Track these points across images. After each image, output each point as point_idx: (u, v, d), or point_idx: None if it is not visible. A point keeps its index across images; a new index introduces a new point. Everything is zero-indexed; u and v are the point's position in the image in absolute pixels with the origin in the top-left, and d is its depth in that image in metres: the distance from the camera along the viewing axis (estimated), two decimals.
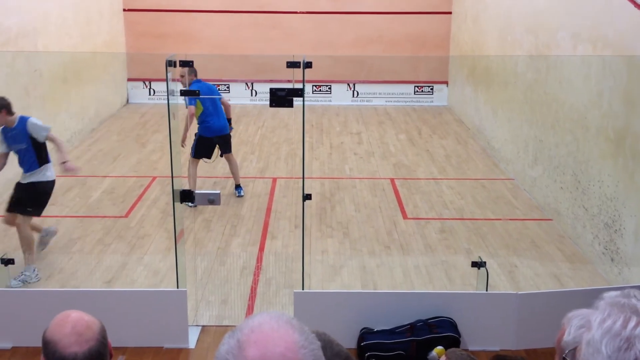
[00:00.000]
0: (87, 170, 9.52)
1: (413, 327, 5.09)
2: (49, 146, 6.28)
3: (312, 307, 5.13)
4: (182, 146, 7.88)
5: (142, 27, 13.96)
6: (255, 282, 6.27)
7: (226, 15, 14.01)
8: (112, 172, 9.47)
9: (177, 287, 5.28)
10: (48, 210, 6.60)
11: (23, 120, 6.09)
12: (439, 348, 4.92)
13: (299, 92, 4.80)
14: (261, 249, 7.03)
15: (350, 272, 6.51)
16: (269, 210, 8.13)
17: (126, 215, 7.84)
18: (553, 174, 7.85)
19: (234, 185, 8.67)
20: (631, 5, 6.15)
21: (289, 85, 4.97)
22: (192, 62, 5.56)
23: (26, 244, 6.17)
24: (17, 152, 6.18)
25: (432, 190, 8.93)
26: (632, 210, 5.96)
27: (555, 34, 8.05)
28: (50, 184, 6.30)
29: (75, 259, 6.68)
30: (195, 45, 13.75)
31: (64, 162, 6.10)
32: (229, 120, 8.47)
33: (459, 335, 5.06)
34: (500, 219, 7.90)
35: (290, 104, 4.76)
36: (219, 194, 5.23)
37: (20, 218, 6.19)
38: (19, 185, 6.26)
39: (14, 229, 6.37)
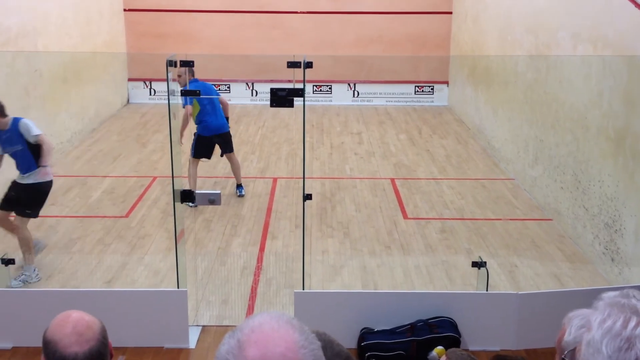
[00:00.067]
0: (87, 170, 9.53)
1: (413, 327, 5.09)
2: None
3: (312, 307, 5.13)
4: (180, 144, 7.87)
5: (143, 27, 13.96)
6: (255, 282, 6.27)
7: (227, 15, 14.01)
8: (112, 172, 9.47)
9: (178, 287, 5.28)
10: (48, 210, 6.60)
11: (16, 121, 6.02)
12: (439, 348, 4.92)
13: (300, 92, 4.80)
14: (262, 249, 7.03)
15: (351, 272, 6.51)
16: (269, 210, 8.14)
17: (126, 215, 7.84)
18: (553, 174, 7.85)
19: (234, 186, 8.67)
20: (631, 5, 6.15)
21: (290, 85, 4.97)
22: (192, 62, 5.56)
23: (25, 245, 6.16)
24: (14, 155, 6.09)
25: (432, 190, 8.93)
26: (633, 210, 5.96)
27: (556, 34, 8.05)
28: (49, 184, 6.26)
29: (75, 259, 6.68)
30: (196, 45, 13.75)
31: (43, 166, 6.03)
32: (227, 118, 8.47)
33: (459, 335, 5.07)
34: (500, 219, 7.90)
35: (290, 104, 4.76)
36: (219, 194, 5.24)
37: (18, 219, 6.17)
38: (16, 185, 6.17)
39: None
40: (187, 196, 5.17)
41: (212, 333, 5.38)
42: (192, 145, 8.30)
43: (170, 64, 4.93)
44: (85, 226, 7.50)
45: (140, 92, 14.19)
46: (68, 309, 2.07)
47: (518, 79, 9.42)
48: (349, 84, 14.38)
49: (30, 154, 6.03)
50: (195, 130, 8.33)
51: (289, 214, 7.96)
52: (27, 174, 6.10)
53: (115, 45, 13.45)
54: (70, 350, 1.95)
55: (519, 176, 9.20)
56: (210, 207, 7.84)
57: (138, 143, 11.07)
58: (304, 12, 14.08)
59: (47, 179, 6.17)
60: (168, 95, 5.04)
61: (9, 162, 6.21)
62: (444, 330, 5.04)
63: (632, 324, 1.36)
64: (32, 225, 6.57)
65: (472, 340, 5.16)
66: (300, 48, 13.30)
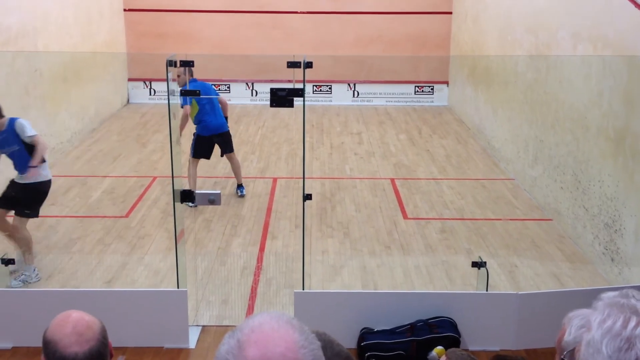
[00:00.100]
0: (87, 170, 9.53)
1: (413, 327, 5.09)
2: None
3: (312, 307, 5.13)
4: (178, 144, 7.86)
5: (143, 27, 13.96)
6: (255, 282, 6.27)
7: (227, 15, 14.01)
8: (112, 172, 9.47)
9: (178, 287, 5.28)
10: (48, 210, 6.59)
11: (12, 122, 6.00)
12: (439, 348, 4.92)
13: (300, 92, 4.80)
14: (261, 249, 7.03)
15: (351, 272, 6.51)
16: (269, 210, 8.13)
17: (126, 215, 7.84)
18: (553, 174, 7.85)
19: (234, 186, 8.67)
20: (631, 5, 6.15)
21: (290, 85, 4.97)
22: (192, 62, 5.56)
23: (25, 245, 6.15)
24: (11, 155, 6.06)
25: (432, 190, 8.93)
26: (632, 210, 5.96)
27: (555, 34, 8.05)
28: (48, 184, 6.24)
29: (75, 259, 6.68)
30: (196, 45, 13.75)
31: (31, 166, 5.97)
32: (226, 118, 8.46)
33: (459, 335, 5.07)
34: (500, 219, 7.90)
35: (290, 104, 4.76)
36: (219, 194, 5.23)
37: (17, 219, 6.16)
38: (14, 185, 6.14)
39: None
40: (187, 196, 5.17)
41: (212, 333, 5.38)
42: (191, 145, 8.30)
43: (170, 64, 4.93)
44: (85, 226, 7.50)
45: (140, 92, 14.19)
46: (68, 309, 2.08)
47: (518, 79, 9.43)
48: (349, 84, 14.38)
49: (27, 154, 5.99)
50: (195, 130, 8.34)
51: (289, 214, 7.96)
52: (24, 174, 6.09)
53: (115, 45, 13.45)
54: (70, 350, 1.95)
55: (519, 176, 9.20)
56: (210, 207, 7.84)
57: (138, 143, 11.07)
58: (304, 12, 14.08)
59: (39, 179, 6.10)
60: (168, 95, 5.04)
61: (8, 162, 6.21)
62: (443, 330, 5.04)
63: (632, 324, 1.36)
64: (32, 225, 6.57)
65: (472, 340, 5.17)
66: (300, 48, 13.30)
